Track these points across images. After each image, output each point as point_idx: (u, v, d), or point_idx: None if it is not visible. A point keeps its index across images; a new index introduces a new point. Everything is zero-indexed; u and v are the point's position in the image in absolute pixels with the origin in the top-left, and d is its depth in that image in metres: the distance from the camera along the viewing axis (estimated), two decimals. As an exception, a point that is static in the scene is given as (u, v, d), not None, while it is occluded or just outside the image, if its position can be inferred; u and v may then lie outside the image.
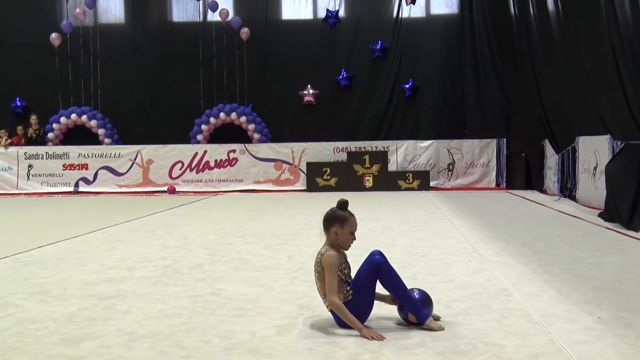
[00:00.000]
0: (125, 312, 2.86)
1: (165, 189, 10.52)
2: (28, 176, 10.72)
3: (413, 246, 4.59)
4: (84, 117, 11.25)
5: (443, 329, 2.51)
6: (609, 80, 5.89)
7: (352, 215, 2.62)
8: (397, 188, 10.03)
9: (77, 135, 11.31)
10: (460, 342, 2.35)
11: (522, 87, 9.63)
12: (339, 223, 2.57)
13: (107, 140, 11.29)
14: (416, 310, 2.53)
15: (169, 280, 3.56)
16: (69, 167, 10.70)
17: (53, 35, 11.34)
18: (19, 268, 3.99)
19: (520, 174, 10.08)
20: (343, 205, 2.60)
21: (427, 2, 11.47)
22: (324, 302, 2.62)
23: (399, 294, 2.56)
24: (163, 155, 10.71)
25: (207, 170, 10.66)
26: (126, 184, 10.66)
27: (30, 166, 10.72)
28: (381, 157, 10.20)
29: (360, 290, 2.55)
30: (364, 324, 2.55)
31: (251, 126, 11.15)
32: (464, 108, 11.08)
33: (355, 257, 4.14)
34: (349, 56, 11.46)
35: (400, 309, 2.63)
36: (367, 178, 10.16)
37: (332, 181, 10.23)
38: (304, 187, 10.38)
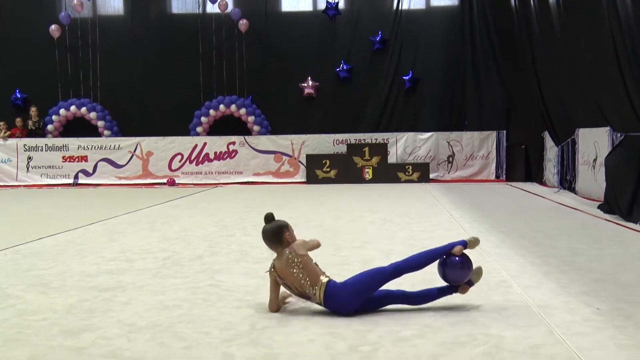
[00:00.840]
0: (125, 304, 2.85)
1: (164, 181, 10.50)
2: (27, 168, 10.68)
3: (413, 238, 4.59)
4: (84, 109, 11.18)
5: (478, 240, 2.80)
6: (610, 73, 5.85)
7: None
8: (396, 180, 10.01)
9: (77, 127, 11.25)
10: (460, 334, 2.36)
11: (522, 79, 9.57)
12: (285, 228, 2.70)
13: (106, 132, 11.23)
14: (450, 246, 2.71)
15: (168, 272, 3.55)
16: (68, 159, 10.66)
17: (53, 27, 11.23)
18: (19, 260, 3.99)
19: (520, 166, 10.06)
20: (272, 216, 2.74)
21: (427, -7, 11.39)
22: (313, 294, 2.63)
23: (426, 258, 2.73)
24: (163, 147, 10.67)
25: (206, 162, 10.63)
26: (126, 176, 10.63)
27: (29, 158, 10.68)
28: (381, 149, 10.17)
29: (359, 280, 2.64)
30: (354, 310, 2.63)
31: (251, 118, 11.10)
32: (464, 100, 11.02)
33: (356, 250, 4.16)
34: (349, 48, 11.37)
35: (440, 267, 2.73)
36: (366, 170, 10.14)
37: (332, 173, 10.21)
38: (304, 179, 10.36)
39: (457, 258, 2.71)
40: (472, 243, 2.76)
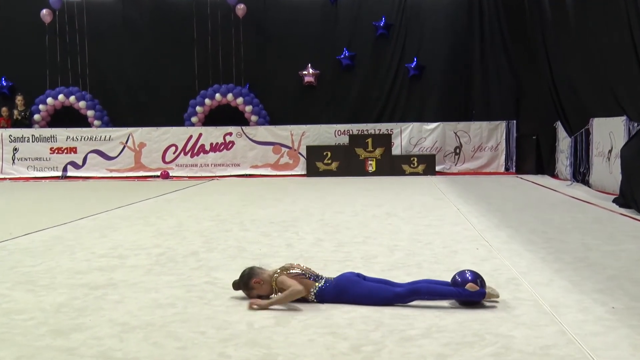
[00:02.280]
0: (117, 302, 2.80)
1: (158, 173, 10.32)
2: (13, 160, 10.47)
3: (418, 233, 4.51)
4: (72, 98, 10.86)
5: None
6: (625, 59, 5.70)
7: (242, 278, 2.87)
8: (401, 173, 9.86)
9: (65, 117, 10.94)
10: (468, 333, 2.30)
11: (533, 66, 9.35)
12: (255, 275, 2.83)
13: (96, 122, 10.95)
14: (463, 290, 2.66)
15: (162, 269, 3.49)
16: (56, 151, 10.43)
17: (44, 11, 10.94)
18: (5, 256, 3.91)
19: (531, 157, 9.86)
20: (236, 284, 2.87)
21: (433, -24, 11.11)
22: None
23: (437, 293, 2.70)
24: (156, 139, 10.47)
25: (202, 154, 10.46)
26: (117, 168, 10.41)
27: (15, 149, 10.42)
28: (385, 141, 10.02)
29: (369, 291, 2.71)
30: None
31: (248, 108, 10.92)
32: (472, 88, 10.81)
33: (358, 245, 4.06)
34: (351, 34, 11.15)
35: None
36: (369, 162, 10.00)
37: (333, 165, 10.07)
38: (304, 172, 10.23)
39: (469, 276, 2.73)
40: (490, 294, 2.69)
